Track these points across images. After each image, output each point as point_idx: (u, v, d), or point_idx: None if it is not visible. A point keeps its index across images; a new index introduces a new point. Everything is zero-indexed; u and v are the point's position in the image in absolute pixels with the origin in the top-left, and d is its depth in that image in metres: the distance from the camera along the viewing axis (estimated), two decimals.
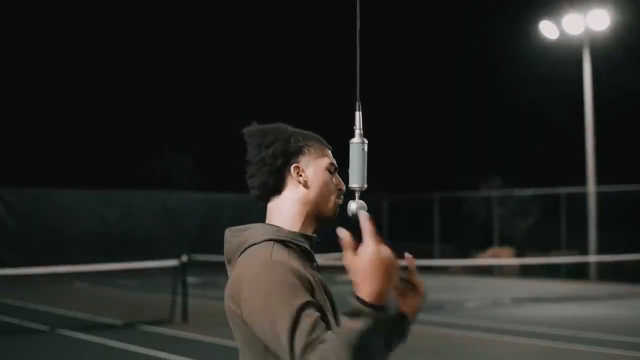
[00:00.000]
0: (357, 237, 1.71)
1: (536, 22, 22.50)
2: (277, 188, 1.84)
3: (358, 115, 1.93)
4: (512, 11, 29.97)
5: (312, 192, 1.85)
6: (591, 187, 21.41)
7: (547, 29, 21.96)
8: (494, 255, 22.56)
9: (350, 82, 2.03)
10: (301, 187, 1.84)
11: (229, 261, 1.83)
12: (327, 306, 1.77)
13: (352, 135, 1.91)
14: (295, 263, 1.72)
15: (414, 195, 26.83)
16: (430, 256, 24.01)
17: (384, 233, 29.64)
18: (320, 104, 30.80)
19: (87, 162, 29.14)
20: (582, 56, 21.62)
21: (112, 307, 13.64)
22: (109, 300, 15.42)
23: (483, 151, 30.42)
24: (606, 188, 21.59)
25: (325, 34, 31.77)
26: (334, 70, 28.69)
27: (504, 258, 22.14)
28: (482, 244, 23.93)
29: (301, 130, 1.91)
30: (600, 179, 21.48)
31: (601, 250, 20.56)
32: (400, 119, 33.04)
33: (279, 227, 1.81)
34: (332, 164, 1.89)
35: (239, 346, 1.76)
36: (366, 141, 1.91)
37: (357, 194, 1.90)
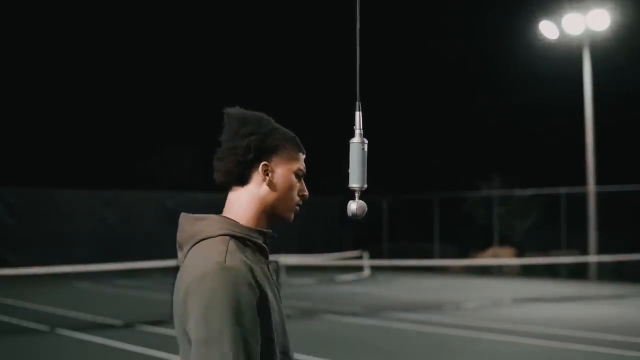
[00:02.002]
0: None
1: (536, 22, 22.51)
2: (240, 180, 1.83)
3: (358, 115, 1.93)
4: (512, 11, 29.98)
5: (274, 193, 1.84)
6: (591, 187, 21.42)
7: (547, 29, 21.97)
8: (494, 255, 22.56)
9: (350, 82, 2.03)
10: (265, 185, 1.83)
11: (181, 247, 1.83)
12: (275, 299, 1.77)
13: (352, 135, 1.91)
14: (247, 262, 1.71)
15: (414, 195, 26.84)
16: (430, 256, 24.04)
17: (384, 233, 29.89)
18: (321, 104, 30.81)
19: (87, 162, 29.14)
20: (582, 56, 21.62)
21: (112, 307, 13.64)
22: (109, 300, 15.41)
23: (483, 151, 30.42)
24: (606, 188, 21.60)
25: (325, 34, 31.77)
26: (334, 70, 28.70)
27: (504, 258, 22.15)
28: (482, 244, 23.93)
29: (281, 128, 1.88)
30: (600, 179, 21.49)
31: (601, 250, 20.57)
32: (401, 119, 33.04)
33: (236, 221, 1.80)
34: (300, 169, 1.87)
35: (180, 340, 1.77)
36: (366, 141, 1.91)
37: (357, 194, 1.90)
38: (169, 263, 12.74)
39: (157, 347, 9.09)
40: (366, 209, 1.90)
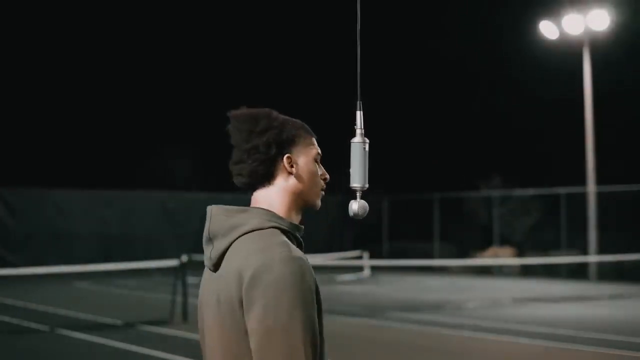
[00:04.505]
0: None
1: (536, 22, 22.51)
2: (267, 177, 1.80)
3: (359, 115, 1.93)
4: (512, 11, 29.96)
5: (302, 183, 1.82)
6: (591, 187, 21.42)
7: (547, 29, 21.97)
8: (494, 255, 22.56)
9: (351, 82, 2.03)
10: (292, 177, 1.81)
11: (212, 239, 1.76)
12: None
13: (353, 135, 1.91)
14: (303, 253, 1.71)
15: (414, 195, 26.84)
16: (430, 256, 24.03)
17: (384, 233, 29.87)
18: (321, 104, 30.81)
19: (87, 162, 29.13)
20: (582, 56, 21.62)
21: (112, 307, 13.64)
22: (109, 300, 15.41)
23: (483, 151, 30.42)
24: (606, 188, 21.60)
25: (326, 34, 31.77)
26: (335, 70, 28.70)
27: (504, 258, 22.15)
28: (482, 244, 23.94)
29: (289, 118, 1.87)
30: (600, 179, 21.48)
31: (601, 250, 20.57)
32: (401, 119, 33.03)
33: (279, 215, 1.77)
34: (319, 153, 1.87)
35: (218, 334, 1.69)
36: (367, 141, 1.91)
37: (358, 194, 1.90)
38: (169, 263, 12.74)
39: (157, 347, 9.09)
40: (368, 208, 1.90)
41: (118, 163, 29.33)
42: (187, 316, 11.22)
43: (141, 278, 18.86)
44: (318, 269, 14.78)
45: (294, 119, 1.88)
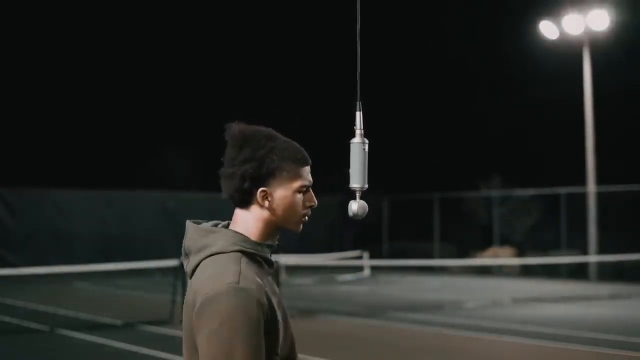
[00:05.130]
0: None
1: (536, 22, 22.51)
2: (243, 203, 1.84)
3: (359, 115, 1.93)
4: (512, 11, 29.96)
5: (277, 215, 1.85)
6: (591, 187, 21.42)
7: (547, 29, 21.97)
8: (494, 255, 22.56)
9: (350, 82, 2.03)
10: (265, 209, 1.83)
11: (187, 255, 1.84)
12: (283, 311, 1.83)
13: (353, 135, 1.91)
14: (259, 281, 1.74)
15: (414, 195, 26.84)
16: (430, 256, 24.03)
17: (384, 233, 29.84)
18: (321, 104, 30.80)
19: (87, 162, 29.13)
20: (582, 56, 21.62)
21: (112, 307, 13.64)
22: (109, 300, 15.41)
23: (483, 151, 30.41)
24: (606, 188, 21.60)
25: (326, 35, 31.77)
26: (335, 71, 28.69)
27: (504, 258, 22.15)
28: (482, 244, 23.93)
29: (282, 144, 1.85)
30: (600, 179, 21.48)
31: (601, 250, 20.57)
32: (401, 119, 33.03)
33: (247, 237, 1.82)
34: (304, 185, 1.86)
35: (186, 346, 1.79)
36: (367, 141, 1.91)
37: (357, 194, 1.90)
38: (169, 263, 12.74)
39: (157, 347, 9.09)
40: (367, 209, 1.91)
41: (118, 163, 29.32)
42: None
43: (141, 278, 18.86)
44: (318, 269, 14.84)
45: (286, 146, 1.86)
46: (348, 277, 20.67)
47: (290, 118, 33.27)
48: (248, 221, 1.84)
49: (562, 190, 22.94)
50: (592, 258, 20.36)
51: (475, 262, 21.98)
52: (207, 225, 1.86)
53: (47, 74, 30.75)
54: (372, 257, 21.79)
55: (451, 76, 33.04)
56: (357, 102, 1.94)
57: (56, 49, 31.23)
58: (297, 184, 1.84)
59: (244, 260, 1.77)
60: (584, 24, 21.27)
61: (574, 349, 9.29)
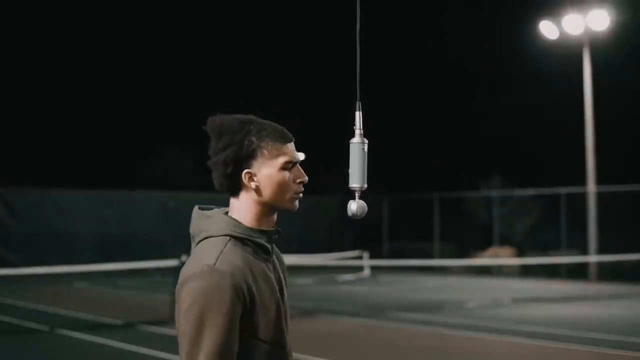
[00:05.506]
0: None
1: (536, 22, 22.51)
2: (232, 189, 1.89)
3: (358, 115, 1.93)
4: (512, 11, 29.97)
5: (265, 195, 1.87)
6: (591, 187, 21.42)
7: (547, 29, 21.97)
8: (494, 255, 22.56)
9: (350, 82, 2.03)
10: (254, 191, 1.87)
11: (193, 239, 1.91)
12: (274, 297, 1.85)
13: (352, 135, 1.91)
14: (240, 265, 1.77)
15: (414, 195, 26.84)
16: (430, 256, 24.03)
17: (384, 233, 29.80)
18: (321, 104, 30.80)
19: (87, 162, 29.13)
20: (582, 56, 21.62)
21: (112, 307, 13.64)
22: (109, 300, 15.41)
23: (483, 151, 30.41)
24: (606, 188, 21.60)
25: (326, 34, 31.77)
26: (335, 70, 28.69)
27: (504, 258, 22.15)
28: (482, 244, 23.93)
29: (259, 125, 1.89)
30: (600, 179, 21.48)
31: (601, 250, 20.56)
32: (401, 119, 33.03)
33: (239, 222, 1.86)
34: (289, 161, 1.87)
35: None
36: (366, 141, 1.91)
37: (357, 194, 1.90)
38: (169, 263, 12.74)
39: (157, 347, 9.09)
40: (366, 209, 1.91)
41: (118, 163, 29.32)
42: None
43: (141, 278, 18.86)
44: (318, 269, 14.82)
45: (263, 126, 1.89)
46: (348, 277, 20.67)
47: (290, 118, 33.29)
48: (241, 207, 1.89)
49: (562, 190, 22.94)
50: (592, 258, 20.36)
51: (475, 262, 21.98)
52: (210, 211, 1.92)
53: (47, 74, 30.75)
54: (372, 257, 21.78)
55: (451, 76, 33.04)
56: (357, 102, 1.94)
57: (56, 49, 31.24)
58: (280, 161, 1.86)
59: (230, 243, 1.81)
60: (584, 24, 21.27)
61: (574, 349, 9.29)
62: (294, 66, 34.22)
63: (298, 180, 1.89)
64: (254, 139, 1.86)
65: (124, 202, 23.41)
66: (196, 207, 1.94)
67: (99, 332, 10.54)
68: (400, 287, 18.34)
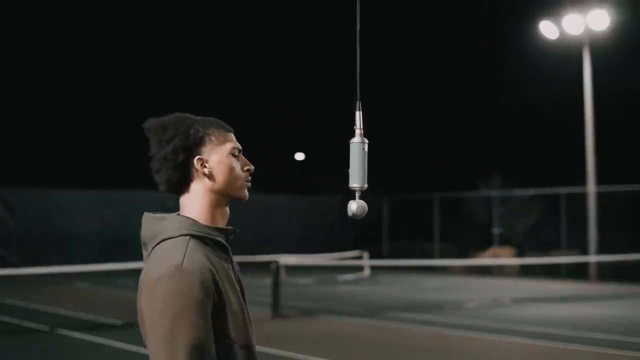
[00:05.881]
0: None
1: (536, 22, 22.51)
2: (184, 182, 1.87)
3: (358, 115, 1.93)
4: (512, 11, 29.97)
5: (219, 181, 1.86)
6: (591, 187, 21.42)
7: (547, 29, 21.97)
8: (494, 255, 22.56)
9: (350, 82, 2.03)
10: (206, 178, 1.86)
11: (145, 246, 1.88)
12: (237, 297, 1.82)
13: (353, 135, 1.91)
14: (207, 263, 1.74)
15: (414, 195, 26.84)
16: (430, 256, 24.03)
17: (384, 233, 29.76)
18: (321, 104, 30.80)
19: (87, 162, 29.13)
20: (582, 56, 21.62)
21: (112, 307, 13.63)
22: (109, 300, 15.41)
23: (483, 151, 30.42)
24: (606, 188, 21.60)
25: (326, 34, 31.77)
26: (335, 70, 28.69)
27: (504, 258, 22.15)
28: (482, 244, 23.93)
29: (201, 118, 1.92)
30: (600, 179, 21.49)
31: (601, 250, 20.57)
32: (401, 119, 33.03)
33: (195, 220, 1.83)
34: (235, 147, 1.89)
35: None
36: (366, 141, 1.91)
37: (357, 194, 1.90)
38: None
39: None
40: (366, 209, 1.90)
41: (118, 163, 29.32)
42: None
43: None
44: (318, 269, 14.79)
45: (204, 118, 1.92)
46: (348, 277, 20.67)
47: (290, 118, 33.35)
48: (193, 201, 1.87)
49: (562, 190, 22.94)
50: (592, 258, 20.36)
51: (475, 262, 21.98)
52: (162, 214, 1.90)
53: (47, 74, 30.76)
54: (372, 257, 21.78)
55: (451, 76, 33.04)
56: (357, 102, 1.94)
57: (56, 49, 31.24)
58: (227, 147, 1.88)
59: (192, 243, 1.77)
60: (584, 24, 21.27)
61: (574, 349, 9.29)
62: (294, 66, 34.22)
63: (245, 168, 1.90)
64: (199, 127, 1.87)
65: (124, 202, 23.40)
66: (146, 213, 1.91)
67: (99, 332, 10.54)
68: (400, 287, 18.34)
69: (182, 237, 1.78)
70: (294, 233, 24.30)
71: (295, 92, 32.88)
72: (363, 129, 1.91)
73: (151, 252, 1.82)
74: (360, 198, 1.90)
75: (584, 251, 21.03)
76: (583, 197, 21.65)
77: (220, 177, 1.86)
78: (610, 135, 24.41)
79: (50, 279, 17.64)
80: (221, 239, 1.84)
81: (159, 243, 1.81)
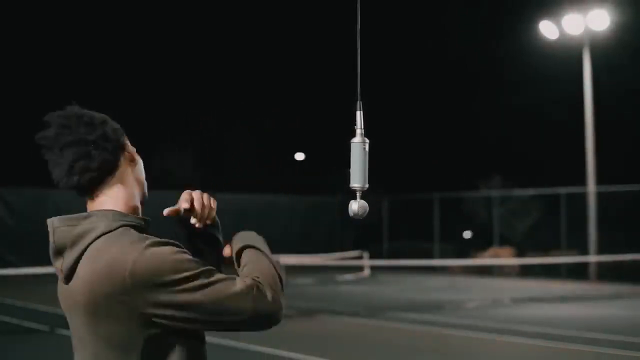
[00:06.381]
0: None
1: (536, 22, 22.51)
2: (114, 167, 1.76)
3: (359, 115, 1.93)
4: (512, 11, 29.98)
5: (138, 171, 1.84)
6: (591, 187, 21.42)
7: (547, 29, 21.97)
8: (494, 255, 22.56)
9: (351, 82, 2.03)
10: (134, 165, 1.82)
11: (60, 252, 1.76)
12: None
13: (353, 135, 1.91)
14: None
15: (414, 195, 26.85)
16: (430, 256, 24.03)
17: (384, 233, 29.77)
18: (321, 104, 30.80)
19: None
20: (582, 56, 21.62)
21: None
22: None
23: (483, 151, 30.42)
24: (606, 188, 21.61)
25: (326, 34, 31.77)
26: (335, 70, 28.69)
27: (504, 258, 22.15)
28: (482, 244, 23.93)
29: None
30: (600, 179, 21.49)
31: (601, 250, 20.57)
32: (401, 119, 33.04)
33: (123, 213, 1.73)
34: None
35: (90, 342, 1.65)
36: (367, 141, 1.91)
37: (358, 194, 1.90)
38: None
39: None
40: (368, 208, 1.90)
41: None
42: None
43: None
44: (318, 269, 14.77)
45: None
46: (348, 277, 20.67)
47: (290, 118, 33.35)
48: (117, 194, 1.76)
49: (562, 190, 22.95)
50: (592, 258, 20.36)
51: (475, 262, 21.98)
52: (81, 213, 1.76)
53: (46, 74, 30.75)
54: (372, 257, 21.78)
55: (451, 76, 33.05)
56: (358, 102, 1.94)
57: (56, 49, 31.24)
58: (129, 143, 1.86)
59: (133, 231, 1.68)
60: (584, 24, 21.27)
61: (574, 349, 9.29)
62: (295, 66, 34.22)
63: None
64: (110, 122, 1.83)
65: None
66: (55, 218, 1.79)
67: None
68: (400, 287, 18.34)
69: (122, 228, 1.68)
70: (294, 233, 24.31)
71: (295, 92, 32.88)
72: (364, 128, 1.91)
73: (81, 256, 1.69)
74: (361, 198, 1.90)
75: (584, 251, 21.03)
76: (583, 197, 21.65)
77: (140, 168, 1.89)
78: (610, 135, 24.41)
79: (50, 279, 17.60)
80: (150, 231, 1.77)
81: (93, 240, 1.67)
